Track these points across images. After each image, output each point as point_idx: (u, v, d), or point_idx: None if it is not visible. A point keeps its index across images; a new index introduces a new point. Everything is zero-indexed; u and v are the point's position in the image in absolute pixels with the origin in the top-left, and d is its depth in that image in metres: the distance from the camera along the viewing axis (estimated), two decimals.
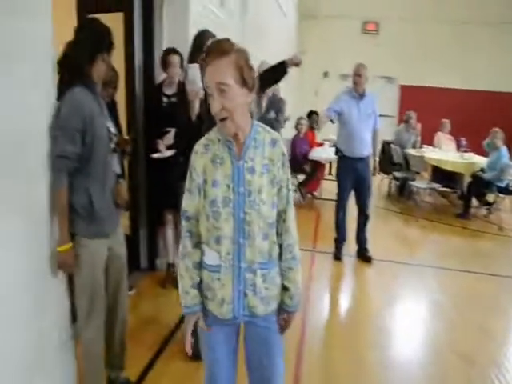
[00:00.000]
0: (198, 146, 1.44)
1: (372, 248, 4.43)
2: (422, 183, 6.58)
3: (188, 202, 1.46)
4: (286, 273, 1.50)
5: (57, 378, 1.99)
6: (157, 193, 3.37)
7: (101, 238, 1.98)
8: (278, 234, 1.48)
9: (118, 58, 3.16)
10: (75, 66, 1.86)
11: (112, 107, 2.89)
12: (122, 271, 2.18)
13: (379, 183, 7.36)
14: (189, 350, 1.50)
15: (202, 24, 3.51)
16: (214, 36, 3.00)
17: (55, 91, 1.85)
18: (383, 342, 3.01)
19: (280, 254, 1.49)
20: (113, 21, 3.22)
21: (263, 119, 3.87)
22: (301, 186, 6.46)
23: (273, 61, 3.84)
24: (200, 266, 1.48)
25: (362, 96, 4.12)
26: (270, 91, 3.97)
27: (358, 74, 4.10)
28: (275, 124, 4.17)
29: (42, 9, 1.73)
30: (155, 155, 3.17)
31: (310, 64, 11.57)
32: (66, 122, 1.79)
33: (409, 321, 3.37)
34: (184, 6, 3.46)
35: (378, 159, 4.69)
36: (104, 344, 2.13)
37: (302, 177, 6.53)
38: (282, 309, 1.54)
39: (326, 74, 11.59)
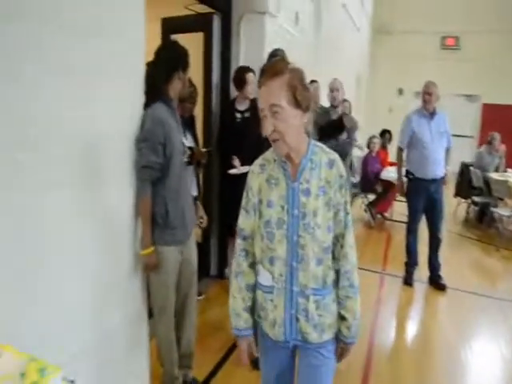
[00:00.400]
0: (255, 166, 1.45)
1: (446, 276, 4.21)
2: (505, 210, 6.15)
3: (244, 221, 1.47)
4: (344, 301, 1.45)
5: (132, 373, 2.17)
6: (228, 205, 3.51)
7: (174, 245, 2.13)
8: (335, 260, 1.44)
9: (197, 75, 3.39)
10: (154, 84, 2.05)
11: (191, 122, 3.08)
12: (193, 277, 2.34)
13: (456, 208, 6.98)
14: (246, 362, 1.53)
15: (276, 43, 3.65)
16: (283, 55, 3.10)
17: (141, 106, 2.04)
18: (456, 373, 2.85)
19: (337, 281, 1.45)
20: (194, 40, 3.49)
21: (334, 141, 3.89)
22: (371, 206, 6.33)
23: (345, 76, 3.88)
24: (253, 288, 1.48)
25: (432, 115, 3.99)
26: (340, 109, 4.00)
27: (428, 93, 3.97)
28: (347, 145, 4.09)
29: (138, 33, 1.94)
30: (232, 171, 3.29)
31: (383, 81, 11.48)
32: (150, 134, 1.96)
33: (487, 357, 3.16)
34: (260, 26, 3.62)
35: (448, 168, 4.43)
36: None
37: (372, 196, 6.41)
38: (339, 338, 1.49)
39: (400, 91, 11.35)
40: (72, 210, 1.67)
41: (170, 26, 3.68)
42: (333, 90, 3.90)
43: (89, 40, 1.65)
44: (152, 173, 1.98)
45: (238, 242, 1.49)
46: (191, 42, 3.27)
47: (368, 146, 6.66)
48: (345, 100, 5.68)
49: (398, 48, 11.09)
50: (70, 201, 1.66)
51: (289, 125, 1.30)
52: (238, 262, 1.49)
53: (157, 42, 2.48)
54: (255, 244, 1.45)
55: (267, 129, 1.31)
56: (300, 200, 1.36)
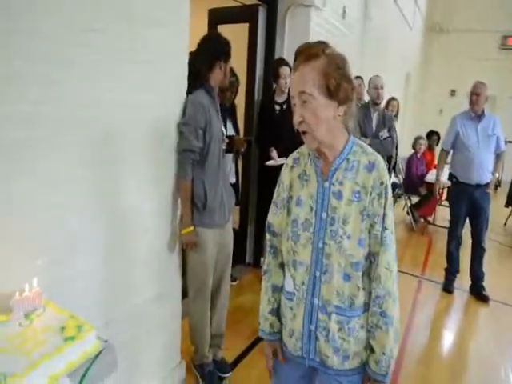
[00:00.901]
0: (289, 159, 1.36)
1: (490, 287, 4.07)
2: None
3: (273, 216, 1.37)
4: (373, 330, 1.27)
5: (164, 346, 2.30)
6: (266, 194, 3.58)
7: (212, 227, 2.24)
8: (370, 279, 1.28)
9: (241, 65, 3.49)
10: (197, 72, 2.16)
11: (232, 110, 3.19)
12: (228, 259, 2.45)
13: (507, 218, 6.72)
14: (270, 369, 1.46)
15: (321, 36, 3.68)
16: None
17: (184, 93, 2.16)
18: None
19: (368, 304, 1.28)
20: (239, 31, 3.59)
21: (376, 138, 3.89)
22: (414, 208, 6.22)
23: (393, 74, 3.86)
24: (280, 290, 1.39)
25: (480, 117, 3.87)
26: (382, 106, 3.99)
27: (476, 93, 3.82)
28: (389, 144, 4.05)
29: (183, 23, 2.04)
30: (269, 162, 3.39)
31: (435, 81, 11.17)
32: (192, 120, 2.07)
33: None
34: (305, 19, 3.67)
35: (497, 175, 4.28)
36: None
37: (416, 199, 6.29)
38: (366, 371, 1.31)
39: (452, 93, 11.00)
40: (119, 185, 1.83)
41: (217, 16, 3.80)
42: (377, 87, 3.89)
43: (138, 28, 1.77)
44: (193, 156, 2.10)
45: (268, 237, 1.41)
46: (236, 33, 3.39)
47: (413, 147, 6.54)
48: (393, 98, 5.63)
49: (452, 47, 10.75)
50: (118, 176, 1.82)
51: (319, 116, 1.17)
52: (267, 259, 1.42)
53: (204, 32, 2.59)
54: (282, 243, 1.34)
55: (295, 119, 1.20)
56: (330, 202, 1.24)
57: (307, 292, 1.28)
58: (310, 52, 1.17)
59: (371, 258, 1.26)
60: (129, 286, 1.97)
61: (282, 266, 1.39)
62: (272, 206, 1.38)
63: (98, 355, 1.24)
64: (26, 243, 1.45)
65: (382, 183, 1.22)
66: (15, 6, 1.31)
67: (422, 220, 6.39)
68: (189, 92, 2.15)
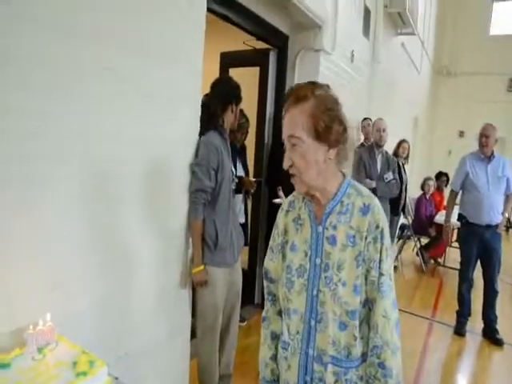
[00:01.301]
0: (285, 203, 1.34)
1: (503, 330, 4.01)
2: None
3: (269, 262, 1.34)
4: (371, 382, 1.20)
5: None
6: None
7: (223, 267, 2.29)
8: (369, 328, 1.22)
9: (252, 107, 3.63)
10: (211, 114, 2.27)
11: (242, 151, 3.29)
12: (237, 298, 2.48)
13: None
14: None
15: (330, 80, 3.84)
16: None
17: (197, 133, 2.26)
18: None
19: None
20: (250, 74, 3.75)
21: (381, 181, 3.97)
22: (423, 249, 6.20)
23: (401, 117, 3.97)
24: (278, 337, 1.35)
25: (490, 158, 3.94)
26: (384, 149, 4.09)
27: (485, 135, 3.89)
28: (394, 186, 4.11)
29: (197, 64, 2.16)
30: (276, 200, 3.53)
31: (443, 122, 11.35)
32: (205, 160, 2.16)
33: None
34: (315, 62, 3.84)
35: (507, 216, 4.28)
36: None
37: (425, 240, 6.28)
38: None
39: (461, 134, 11.14)
40: (130, 222, 1.89)
41: (228, 60, 3.98)
42: (380, 129, 4.02)
43: (153, 64, 1.88)
44: (204, 196, 2.17)
45: (265, 284, 1.38)
46: (247, 76, 3.54)
47: (422, 188, 6.58)
48: (404, 140, 5.72)
49: (460, 90, 10.98)
50: (129, 213, 1.89)
51: (308, 160, 1.14)
52: (266, 306, 1.39)
53: (216, 75, 2.73)
54: (279, 289, 1.30)
55: (284, 163, 1.17)
56: (324, 248, 1.20)
57: (302, 342, 1.24)
58: (298, 94, 1.15)
59: (369, 304, 1.21)
60: (139, 323, 2.00)
61: (280, 313, 1.35)
62: (268, 252, 1.35)
63: None
64: (39, 278, 1.50)
65: (377, 227, 1.17)
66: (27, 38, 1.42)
67: (432, 261, 6.35)
68: (201, 133, 2.25)
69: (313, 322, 1.21)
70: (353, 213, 1.19)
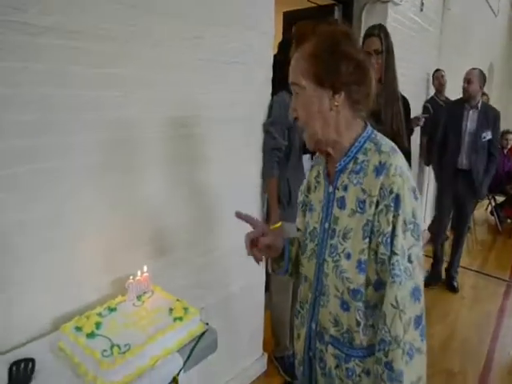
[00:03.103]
0: (314, 158, 1.23)
1: None
2: None
3: (297, 220, 1.29)
4: (377, 381, 1.01)
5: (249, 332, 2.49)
6: None
7: (293, 221, 2.36)
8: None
9: None
10: (281, 74, 2.29)
11: None
12: None
13: None
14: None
15: (399, 32, 3.68)
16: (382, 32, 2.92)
17: (270, 93, 2.31)
18: None
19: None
20: None
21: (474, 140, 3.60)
22: (499, 208, 5.92)
23: (475, 65, 3.74)
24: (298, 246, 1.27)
25: None
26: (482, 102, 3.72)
27: None
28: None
29: (269, 27, 2.20)
30: None
31: None
32: (278, 119, 2.22)
33: None
34: (382, 15, 3.67)
35: None
36: None
37: (500, 199, 5.99)
38: None
39: None
40: (219, 181, 2.04)
41: (291, 19, 3.92)
42: (464, 80, 3.60)
43: (232, 31, 1.94)
44: (279, 154, 2.25)
45: None
46: None
47: (500, 143, 6.22)
48: (483, 94, 5.34)
49: None
50: (220, 174, 2.03)
51: (310, 110, 1.00)
52: None
53: (279, 35, 2.72)
54: None
55: (290, 114, 1.06)
56: (333, 211, 1.06)
57: (308, 313, 1.16)
58: (298, 36, 1.02)
59: (383, 288, 1.00)
60: (221, 275, 2.17)
61: None
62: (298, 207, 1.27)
63: (201, 336, 1.41)
64: (136, 234, 1.68)
65: (391, 192, 0.95)
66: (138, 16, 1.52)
67: (509, 221, 6.07)
68: (273, 93, 2.30)
69: (318, 294, 1.12)
70: (367, 172, 1.00)
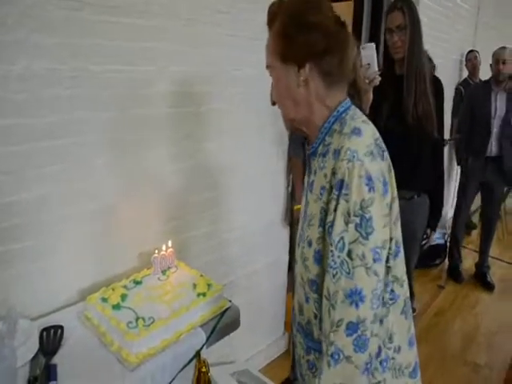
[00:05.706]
0: None
1: None
2: None
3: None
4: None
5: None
6: None
7: None
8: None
9: None
10: None
11: None
12: None
13: None
14: None
15: (433, 10, 3.56)
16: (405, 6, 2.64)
17: None
18: None
19: None
20: (344, 9, 3.60)
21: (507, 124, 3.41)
22: None
23: None
24: None
25: None
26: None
27: None
28: None
29: None
30: None
31: None
32: None
33: None
34: None
35: None
36: None
37: None
38: None
39: None
40: (246, 160, 2.04)
41: None
42: (498, 61, 3.37)
43: (256, 9, 1.90)
44: (304, 135, 2.21)
45: None
46: (341, 11, 3.40)
47: None
48: None
49: None
50: (244, 152, 2.03)
51: (279, 88, 0.97)
52: None
53: None
54: None
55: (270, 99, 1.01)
56: (308, 196, 0.99)
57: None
58: (269, 16, 0.95)
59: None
60: (246, 253, 2.18)
61: None
62: None
63: (224, 312, 1.43)
64: (161, 208, 1.70)
65: (336, 177, 0.86)
66: None
67: None
68: None
69: (294, 280, 1.08)
70: (330, 156, 0.91)
